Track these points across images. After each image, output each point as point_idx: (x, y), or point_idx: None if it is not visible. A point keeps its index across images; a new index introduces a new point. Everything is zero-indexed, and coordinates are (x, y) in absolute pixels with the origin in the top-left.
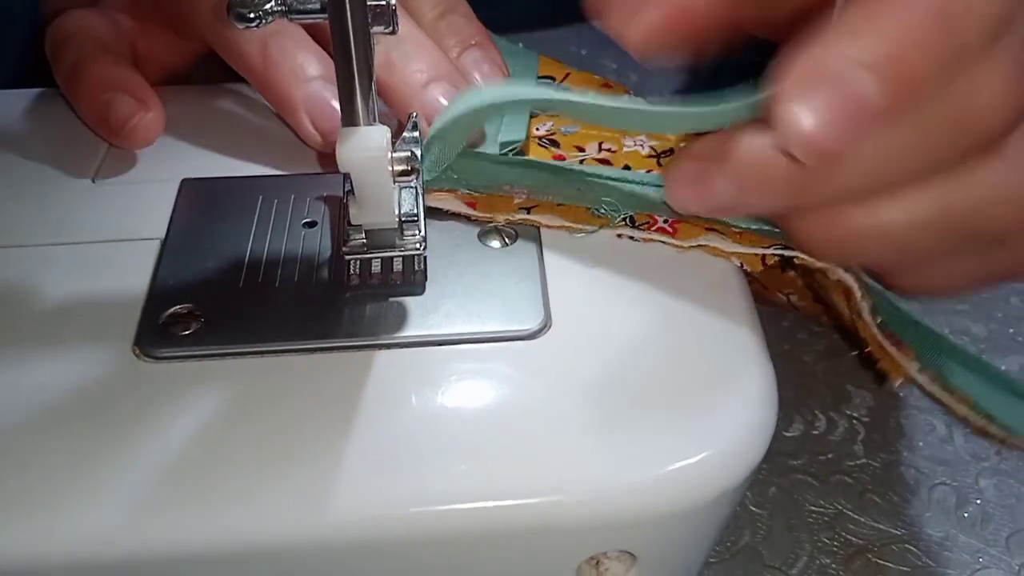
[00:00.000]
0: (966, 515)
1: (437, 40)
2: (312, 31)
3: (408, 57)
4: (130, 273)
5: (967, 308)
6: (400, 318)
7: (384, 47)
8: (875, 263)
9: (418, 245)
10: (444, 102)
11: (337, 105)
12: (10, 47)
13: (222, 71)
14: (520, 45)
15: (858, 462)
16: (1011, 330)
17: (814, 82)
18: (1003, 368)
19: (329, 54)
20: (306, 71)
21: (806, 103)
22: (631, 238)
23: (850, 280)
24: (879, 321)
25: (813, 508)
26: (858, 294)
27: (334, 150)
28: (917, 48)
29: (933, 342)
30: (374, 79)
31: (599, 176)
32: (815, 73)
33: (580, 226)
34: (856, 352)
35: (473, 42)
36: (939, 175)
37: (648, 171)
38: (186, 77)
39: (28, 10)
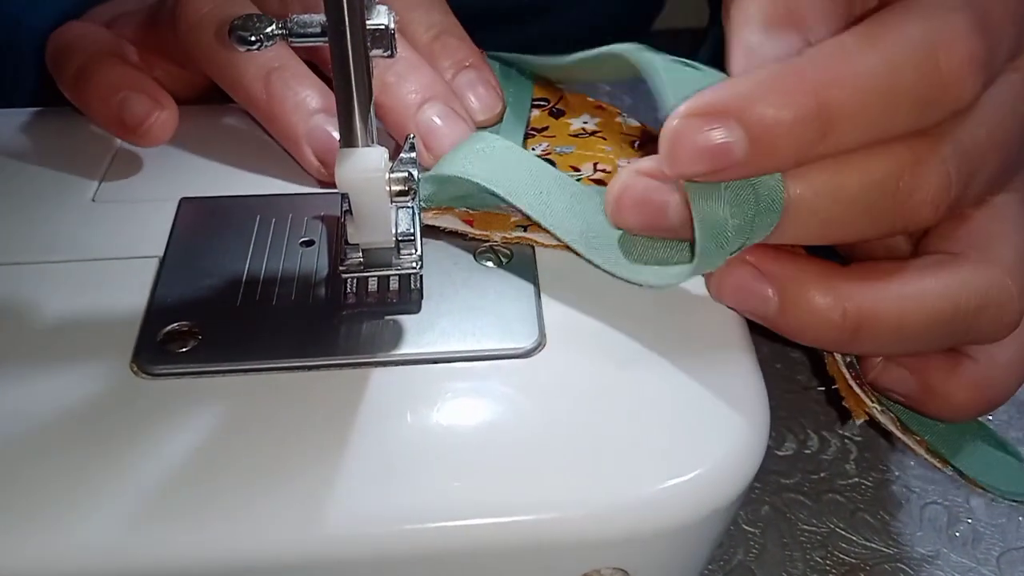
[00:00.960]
0: (957, 534)
1: (431, 61)
2: (312, 53)
3: (402, 78)
4: (129, 290)
5: None
6: (396, 336)
7: (379, 68)
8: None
9: (414, 264)
10: (438, 122)
11: (339, 136)
12: (25, 75)
13: (225, 101)
14: (514, 69)
15: (850, 481)
16: None
17: (698, 118)
18: None
19: (328, 75)
20: (308, 105)
21: (685, 129)
22: None
23: None
24: (848, 361)
25: (806, 527)
26: None
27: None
28: (787, 132)
29: None
30: (372, 101)
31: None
32: (706, 109)
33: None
34: (823, 388)
35: (467, 63)
36: (938, 270)
37: None
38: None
39: (40, 38)
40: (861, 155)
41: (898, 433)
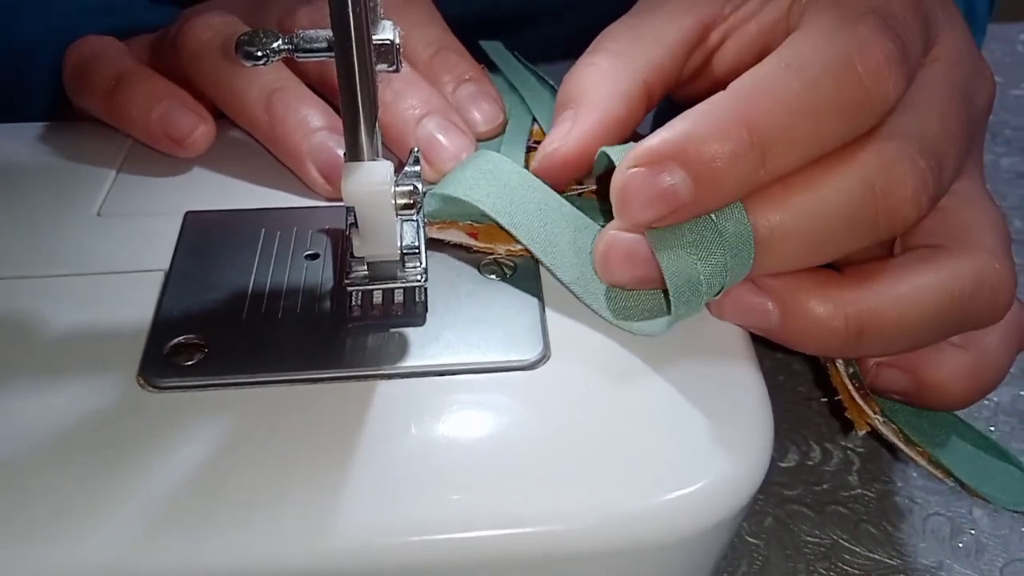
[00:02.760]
0: (960, 545)
1: (432, 77)
2: (312, 76)
3: (400, 95)
4: (135, 304)
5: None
6: (401, 349)
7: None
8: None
9: (419, 277)
10: (439, 135)
11: (343, 153)
12: (34, 87)
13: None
14: (515, 87)
15: (853, 492)
16: None
17: (641, 168)
18: (995, 400)
19: (328, 98)
20: (310, 123)
21: (631, 181)
22: None
23: None
24: (851, 372)
25: (809, 538)
26: None
27: (341, 197)
28: (726, 165)
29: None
30: (378, 116)
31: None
32: (646, 158)
33: None
34: (826, 398)
35: (468, 77)
36: (927, 264)
37: None
38: None
39: (52, 52)
40: (829, 171)
41: (900, 444)
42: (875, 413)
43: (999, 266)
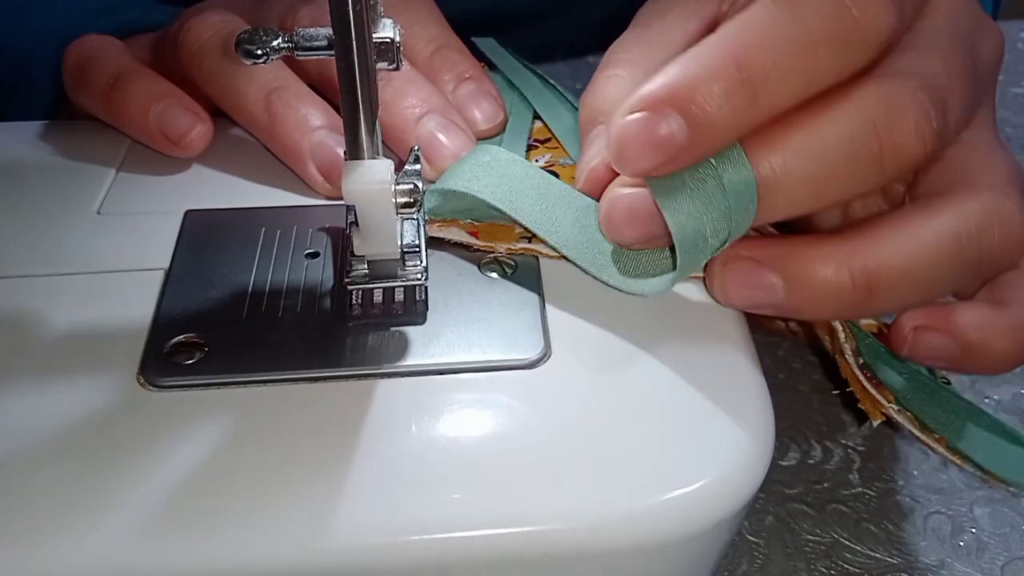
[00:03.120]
0: (961, 543)
1: (432, 75)
2: (312, 75)
3: (400, 93)
4: (135, 303)
5: None
6: (401, 347)
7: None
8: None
9: (420, 275)
10: (439, 134)
11: (343, 152)
12: (34, 88)
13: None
14: (515, 86)
15: (854, 491)
16: None
17: (636, 116)
18: (996, 398)
19: (328, 97)
20: (310, 122)
21: (627, 131)
22: None
23: (835, 322)
24: (861, 362)
25: (810, 537)
26: (841, 336)
27: (342, 196)
28: (719, 105)
29: (917, 385)
30: (378, 114)
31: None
32: (640, 106)
33: None
34: (838, 391)
35: (468, 75)
36: (930, 209)
37: None
38: None
39: (52, 53)
40: (827, 109)
41: (916, 432)
42: (889, 402)
43: (1008, 202)
